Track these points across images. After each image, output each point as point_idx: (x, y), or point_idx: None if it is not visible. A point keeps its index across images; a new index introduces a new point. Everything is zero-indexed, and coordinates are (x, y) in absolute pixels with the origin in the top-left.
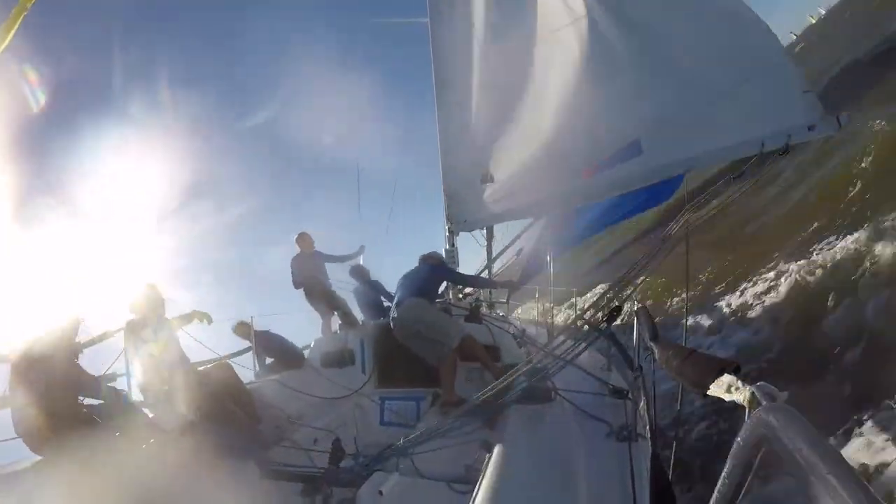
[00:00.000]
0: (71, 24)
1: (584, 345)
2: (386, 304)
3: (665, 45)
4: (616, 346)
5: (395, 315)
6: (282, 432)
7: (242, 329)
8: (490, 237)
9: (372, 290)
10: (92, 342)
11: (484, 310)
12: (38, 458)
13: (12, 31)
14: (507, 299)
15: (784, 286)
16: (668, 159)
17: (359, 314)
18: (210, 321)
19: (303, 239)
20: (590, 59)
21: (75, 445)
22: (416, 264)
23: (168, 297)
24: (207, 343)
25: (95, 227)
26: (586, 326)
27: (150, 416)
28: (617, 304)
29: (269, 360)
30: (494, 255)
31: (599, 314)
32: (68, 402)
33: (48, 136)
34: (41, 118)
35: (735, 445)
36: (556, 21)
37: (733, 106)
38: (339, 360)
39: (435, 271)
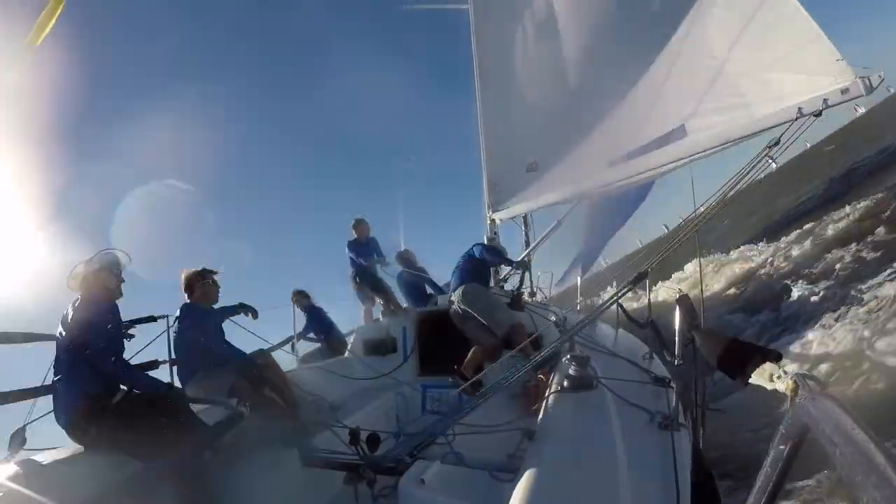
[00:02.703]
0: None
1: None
2: (429, 290)
3: (711, 36)
4: (656, 335)
5: (455, 299)
6: (324, 420)
7: (299, 298)
8: (527, 226)
9: (416, 277)
10: (138, 322)
11: (526, 298)
12: (79, 448)
13: (51, 23)
14: (529, 285)
15: None
16: (709, 137)
17: (401, 300)
18: (256, 315)
19: (360, 225)
20: (638, 49)
21: (116, 435)
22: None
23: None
24: (251, 330)
25: (142, 213)
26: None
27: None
28: (644, 269)
29: (307, 351)
30: (534, 242)
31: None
32: (111, 389)
33: (84, 122)
34: (82, 102)
35: (777, 434)
36: (602, 7)
37: (770, 82)
38: (382, 347)
39: (486, 254)
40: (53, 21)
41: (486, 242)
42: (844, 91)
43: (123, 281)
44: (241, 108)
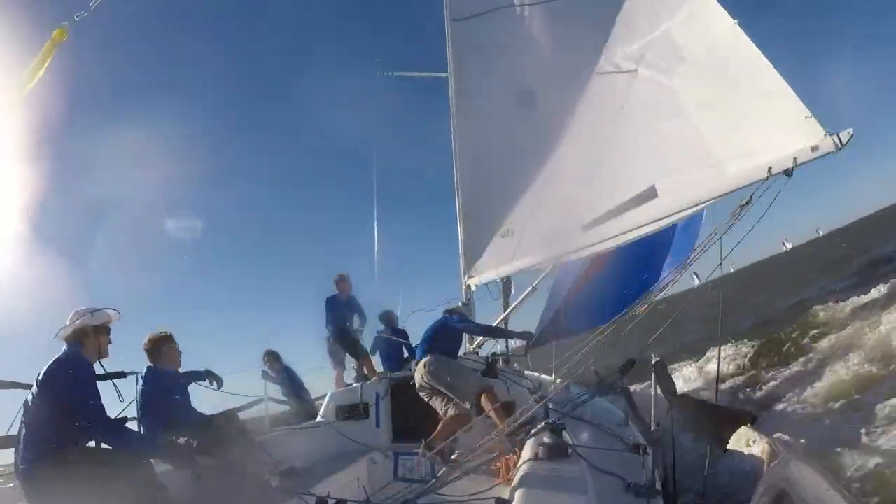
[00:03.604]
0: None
1: (586, 396)
2: (406, 355)
3: (678, 97)
4: (628, 403)
5: (416, 372)
6: (291, 486)
7: (271, 360)
8: (507, 291)
9: (396, 339)
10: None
11: (501, 365)
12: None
13: (44, 66)
14: (526, 352)
15: None
16: (681, 198)
17: (377, 362)
18: (220, 385)
19: (342, 281)
20: (609, 113)
21: (70, 492)
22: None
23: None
24: (219, 392)
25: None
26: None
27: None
28: (632, 358)
29: (274, 414)
30: (510, 307)
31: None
32: (68, 441)
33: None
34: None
35: (754, 497)
36: (577, 76)
37: (739, 140)
38: (354, 412)
39: (455, 324)
40: (47, 63)
41: (451, 308)
42: (815, 148)
43: (111, 342)
44: (210, 145)
